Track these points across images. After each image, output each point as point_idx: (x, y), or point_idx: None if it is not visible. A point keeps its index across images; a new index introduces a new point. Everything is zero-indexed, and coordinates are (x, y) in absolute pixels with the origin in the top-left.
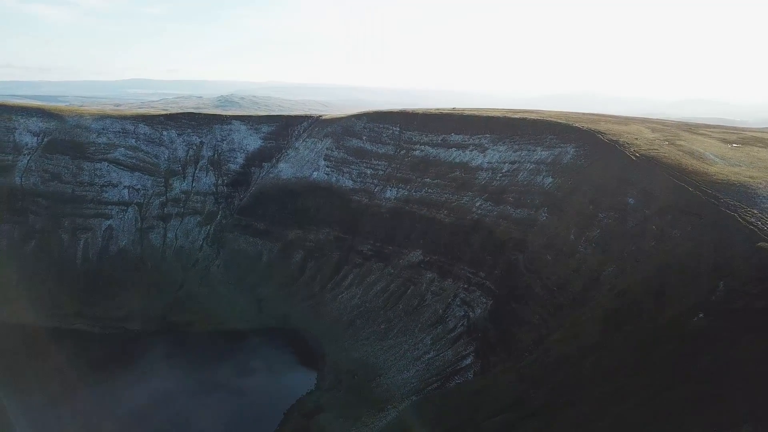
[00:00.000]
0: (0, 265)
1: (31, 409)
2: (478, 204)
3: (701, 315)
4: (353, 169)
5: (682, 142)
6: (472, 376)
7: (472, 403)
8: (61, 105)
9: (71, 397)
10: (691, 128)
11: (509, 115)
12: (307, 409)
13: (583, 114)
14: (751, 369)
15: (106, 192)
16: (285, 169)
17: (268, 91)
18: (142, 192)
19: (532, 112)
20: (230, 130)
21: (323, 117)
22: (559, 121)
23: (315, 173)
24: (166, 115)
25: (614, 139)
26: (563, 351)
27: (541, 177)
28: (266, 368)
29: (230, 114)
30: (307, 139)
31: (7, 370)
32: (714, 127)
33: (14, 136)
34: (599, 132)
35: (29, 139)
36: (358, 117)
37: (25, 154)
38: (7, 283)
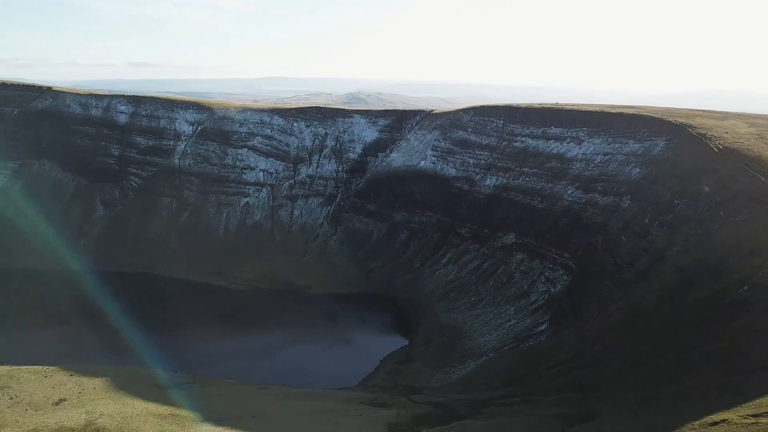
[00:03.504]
0: (161, 230)
1: (170, 347)
2: (569, 192)
3: (746, 287)
4: (457, 158)
5: None
6: (544, 339)
7: (537, 357)
8: (210, 99)
9: (208, 339)
10: None
11: (607, 109)
12: (400, 358)
13: (685, 109)
14: None
15: (245, 174)
16: (396, 158)
17: (395, 88)
18: (274, 175)
19: (630, 107)
20: (351, 123)
21: (434, 111)
22: (654, 116)
23: (422, 162)
24: (297, 108)
25: (703, 132)
26: (620, 316)
27: (630, 168)
28: (369, 326)
29: (352, 108)
30: (418, 131)
31: (156, 312)
32: None
33: (175, 126)
34: (690, 126)
35: (186, 128)
36: (465, 111)
37: (182, 140)
38: (166, 245)
